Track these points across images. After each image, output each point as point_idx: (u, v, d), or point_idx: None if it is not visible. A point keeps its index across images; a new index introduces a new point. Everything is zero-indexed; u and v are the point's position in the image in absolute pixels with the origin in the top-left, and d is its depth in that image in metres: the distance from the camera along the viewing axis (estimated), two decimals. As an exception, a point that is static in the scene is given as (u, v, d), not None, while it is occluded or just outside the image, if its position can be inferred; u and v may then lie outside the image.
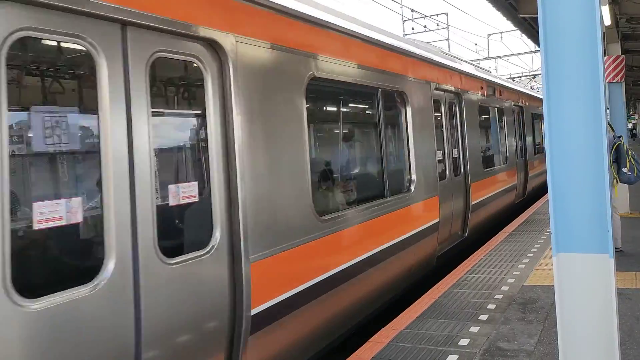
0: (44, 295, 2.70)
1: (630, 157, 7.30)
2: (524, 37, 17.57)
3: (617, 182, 7.38)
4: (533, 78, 36.04)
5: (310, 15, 4.97)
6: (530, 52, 33.23)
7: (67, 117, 3.07)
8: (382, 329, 5.22)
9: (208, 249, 3.66)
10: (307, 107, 4.82)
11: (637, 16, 11.43)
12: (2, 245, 2.53)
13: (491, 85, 11.48)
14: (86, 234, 3.17)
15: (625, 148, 7.37)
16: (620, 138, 7.58)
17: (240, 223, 3.84)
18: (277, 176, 4.32)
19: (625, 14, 11.21)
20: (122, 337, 3.05)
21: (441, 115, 8.49)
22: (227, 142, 3.85)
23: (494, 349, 4.58)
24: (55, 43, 3.03)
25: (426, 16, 25.10)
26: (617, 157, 7.27)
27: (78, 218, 2.91)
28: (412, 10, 24.43)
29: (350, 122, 7.01)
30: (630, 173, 7.27)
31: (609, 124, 7.75)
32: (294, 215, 4.50)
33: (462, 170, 9.13)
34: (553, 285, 3.18)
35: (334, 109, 6.66)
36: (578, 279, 3.05)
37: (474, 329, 5.08)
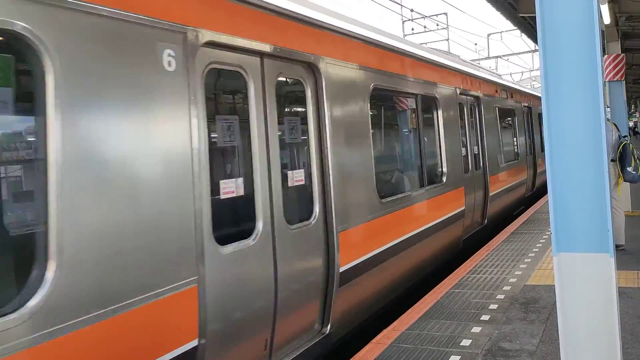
0: None
1: (635, 156, 7.42)
2: (524, 36, 17.57)
3: (621, 180, 7.53)
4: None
5: None
6: (530, 52, 33.28)
7: None
8: (384, 330, 5.21)
9: None
10: None
11: (636, 14, 11.43)
12: None
13: (404, 59, 7.00)
14: None
15: (631, 148, 7.50)
16: (627, 138, 7.74)
17: None
18: None
19: (624, 12, 11.21)
20: None
21: (249, 105, 4.20)
22: None
23: (496, 349, 4.57)
24: None
25: (426, 16, 25.15)
26: (623, 156, 7.40)
27: None
28: (412, 11, 24.45)
29: None
30: (634, 172, 7.45)
31: (614, 124, 7.90)
32: None
33: (317, 210, 4.87)
34: (554, 285, 3.17)
35: None
36: (579, 279, 3.05)
37: (476, 329, 5.07)
